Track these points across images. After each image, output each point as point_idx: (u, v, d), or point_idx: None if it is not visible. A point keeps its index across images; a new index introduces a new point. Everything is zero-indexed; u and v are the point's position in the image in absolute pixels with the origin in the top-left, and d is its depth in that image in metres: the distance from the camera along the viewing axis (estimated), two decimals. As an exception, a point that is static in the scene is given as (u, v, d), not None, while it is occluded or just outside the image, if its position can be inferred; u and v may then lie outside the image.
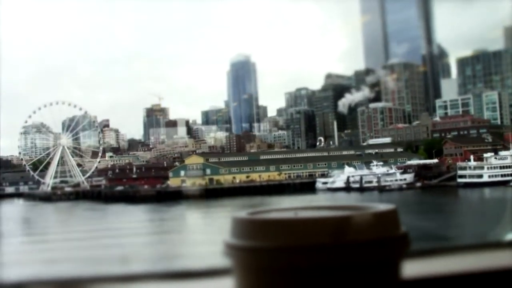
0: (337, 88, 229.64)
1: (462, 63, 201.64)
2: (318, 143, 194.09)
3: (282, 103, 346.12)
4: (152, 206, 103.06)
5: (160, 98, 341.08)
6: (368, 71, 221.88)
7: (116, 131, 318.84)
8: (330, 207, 1.69)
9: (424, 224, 43.94)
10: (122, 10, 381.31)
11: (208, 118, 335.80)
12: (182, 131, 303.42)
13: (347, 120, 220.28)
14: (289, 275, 1.45)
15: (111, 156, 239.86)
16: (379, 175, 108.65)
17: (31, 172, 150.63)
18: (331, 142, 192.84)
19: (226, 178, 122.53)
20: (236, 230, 1.55)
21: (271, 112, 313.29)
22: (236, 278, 1.56)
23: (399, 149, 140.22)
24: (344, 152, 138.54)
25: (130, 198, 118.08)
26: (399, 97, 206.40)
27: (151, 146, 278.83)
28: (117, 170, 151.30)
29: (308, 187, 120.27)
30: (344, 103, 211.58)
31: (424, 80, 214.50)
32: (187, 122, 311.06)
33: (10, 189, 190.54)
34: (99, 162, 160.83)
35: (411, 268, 1.75)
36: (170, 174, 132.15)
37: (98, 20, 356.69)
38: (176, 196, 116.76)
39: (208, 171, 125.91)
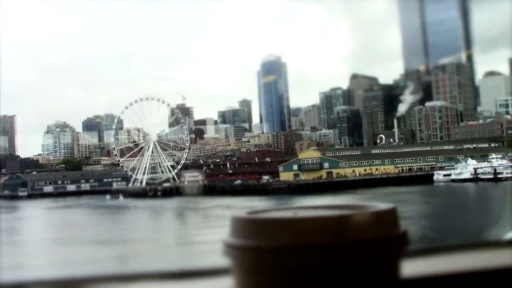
0: (385, 88, 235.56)
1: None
2: (378, 141, 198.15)
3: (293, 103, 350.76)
4: (306, 197, 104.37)
5: (184, 97, 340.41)
6: (418, 72, 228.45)
7: (141, 130, 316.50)
8: (330, 206, 1.69)
9: None
10: (122, 9, 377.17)
11: (225, 117, 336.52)
12: (211, 130, 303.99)
13: (393, 118, 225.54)
14: (288, 274, 1.45)
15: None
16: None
17: (125, 169, 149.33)
18: (391, 140, 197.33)
19: (346, 171, 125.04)
20: (235, 229, 1.54)
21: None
22: (235, 277, 1.56)
23: (493, 144, 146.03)
24: (445, 147, 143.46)
25: (259, 191, 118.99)
26: (451, 96, 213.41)
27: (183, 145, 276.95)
28: (211, 166, 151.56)
29: (423, 179, 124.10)
30: (404, 102, 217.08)
31: (471, 80, 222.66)
32: (215, 122, 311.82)
33: (71, 187, 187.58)
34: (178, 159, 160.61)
35: (411, 267, 1.76)
36: (281, 169, 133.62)
37: (99, 20, 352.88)
38: (306, 189, 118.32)
39: (326, 164, 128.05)
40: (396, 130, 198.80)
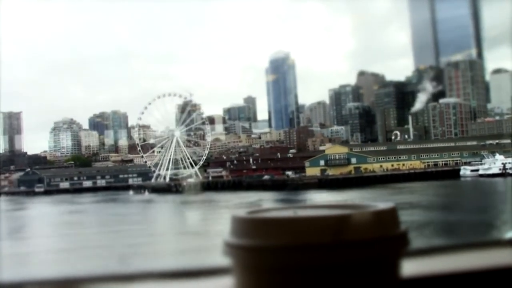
0: (397, 84, 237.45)
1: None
2: (393, 137, 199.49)
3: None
4: (338, 191, 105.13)
5: (191, 94, 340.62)
6: (432, 68, 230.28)
7: (148, 127, 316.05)
8: (330, 206, 1.70)
9: None
10: (123, 7, 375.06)
11: (230, 114, 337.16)
12: (219, 127, 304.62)
13: (406, 115, 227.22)
14: (288, 274, 1.46)
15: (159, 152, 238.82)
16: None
17: (151, 166, 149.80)
18: (406, 136, 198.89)
19: (374, 167, 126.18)
20: (235, 229, 1.55)
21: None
22: (235, 277, 1.57)
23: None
24: (468, 143, 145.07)
25: (289, 186, 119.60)
26: (465, 93, 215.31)
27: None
28: (235, 162, 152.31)
29: (449, 174, 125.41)
30: (424, 91, 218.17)
31: (482, 77, 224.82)
32: (223, 119, 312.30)
33: (87, 183, 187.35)
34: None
35: (411, 267, 1.77)
36: (307, 164, 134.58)
37: (100, 18, 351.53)
38: (336, 184, 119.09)
39: (353, 160, 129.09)
40: (411, 126, 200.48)
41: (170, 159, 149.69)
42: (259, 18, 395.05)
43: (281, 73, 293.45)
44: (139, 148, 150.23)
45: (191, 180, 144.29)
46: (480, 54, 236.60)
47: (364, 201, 1.78)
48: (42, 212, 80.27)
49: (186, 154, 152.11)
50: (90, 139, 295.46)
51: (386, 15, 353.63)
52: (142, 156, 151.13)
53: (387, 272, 1.53)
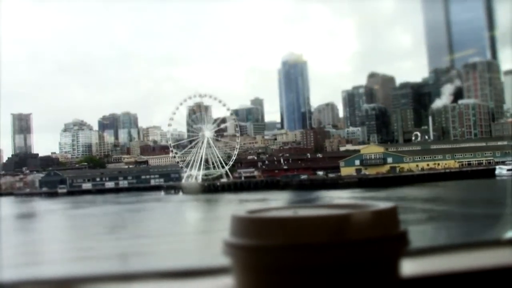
0: (414, 86, 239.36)
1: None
2: (414, 138, 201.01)
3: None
4: (381, 190, 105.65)
5: (202, 95, 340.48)
6: (448, 69, 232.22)
7: (159, 128, 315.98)
8: (330, 206, 1.71)
9: None
10: (127, 8, 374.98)
11: (238, 116, 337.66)
12: (231, 128, 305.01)
13: (422, 116, 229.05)
14: (288, 274, 1.46)
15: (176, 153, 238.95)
16: None
17: (183, 166, 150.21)
18: (426, 137, 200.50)
19: (410, 166, 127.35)
20: (235, 228, 1.56)
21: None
22: (235, 277, 1.57)
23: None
24: (499, 143, 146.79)
25: (328, 185, 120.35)
26: (482, 94, 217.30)
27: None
28: (266, 162, 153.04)
29: (484, 174, 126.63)
30: (448, 91, 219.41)
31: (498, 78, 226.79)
32: (234, 120, 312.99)
33: (110, 184, 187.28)
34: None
35: (411, 267, 1.78)
36: (342, 164, 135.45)
37: (104, 19, 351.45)
38: (375, 183, 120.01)
39: (389, 160, 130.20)
40: (431, 127, 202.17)
41: (201, 159, 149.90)
42: (263, 20, 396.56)
43: (293, 75, 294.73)
44: (171, 149, 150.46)
45: (224, 180, 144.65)
46: (494, 55, 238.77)
47: (367, 200, 1.75)
48: (110, 211, 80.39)
49: (217, 154, 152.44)
50: (101, 140, 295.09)
51: (391, 17, 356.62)
52: (174, 157, 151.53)
53: (387, 272, 1.52)
